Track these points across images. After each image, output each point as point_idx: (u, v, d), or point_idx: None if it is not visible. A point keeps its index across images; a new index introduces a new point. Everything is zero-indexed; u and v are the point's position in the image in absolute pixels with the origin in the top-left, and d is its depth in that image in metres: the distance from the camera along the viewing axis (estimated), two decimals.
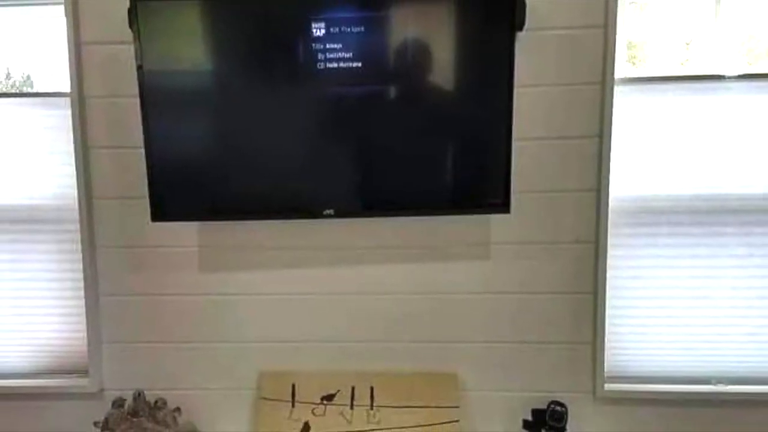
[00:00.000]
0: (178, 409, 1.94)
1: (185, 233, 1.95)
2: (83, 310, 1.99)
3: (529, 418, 1.89)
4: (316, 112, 1.77)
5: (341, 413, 1.93)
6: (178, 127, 1.77)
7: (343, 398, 1.94)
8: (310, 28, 1.70)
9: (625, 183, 1.89)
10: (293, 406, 1.94)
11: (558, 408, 1.84)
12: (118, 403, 1.90)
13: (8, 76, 2.10)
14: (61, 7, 1.86)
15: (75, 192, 1.94)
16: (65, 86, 1.91)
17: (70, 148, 1.92)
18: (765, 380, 1.93)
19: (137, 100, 1.74)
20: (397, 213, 1.86)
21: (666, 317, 1.93)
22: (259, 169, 1.81)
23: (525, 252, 1.91)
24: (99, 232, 1.97)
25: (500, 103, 1.73)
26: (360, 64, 1.72)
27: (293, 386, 1.96)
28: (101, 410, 1.91)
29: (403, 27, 1.72)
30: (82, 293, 1.98)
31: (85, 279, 1.97)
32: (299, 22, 1.70)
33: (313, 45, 1.70)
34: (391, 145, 1.79)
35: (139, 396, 1.90)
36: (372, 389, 1.94)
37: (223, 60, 1.76)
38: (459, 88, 1.77)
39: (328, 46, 1.71)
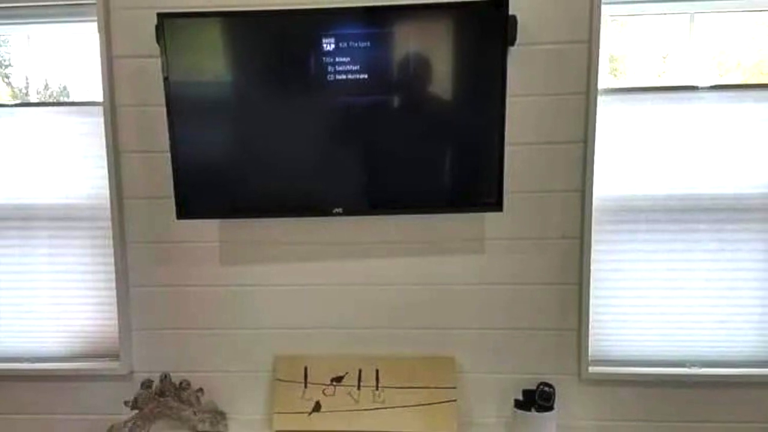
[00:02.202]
0: (200, 390, 2.02)
1: (207, 230, 2.01)
2: (115, 299, 2.04)
3: (520, 397, 1.94)
4: (327, 120, 1.83)
5: (349, 393, 1.99)
6: (201, 133, 1.83)
7: (350, 380, 2.00)
8: (320, 44, 1.76)
9: (608, 184, 1.94)
10: (305, 387, 2.00)
11: (546, 389, 1.90)
12: (147, 384, 1.99)
13: (46, 87, 2.16)
14: (95, 24, 1.92)
15: (107, 192, 1.99)
16: (98, 96, 1.96)
17: (103, 152, 1.98)
18: (734, 363, 1.99)
19: (164, 109, 1.81)
20: (400, 211, 1.92)
21: (645, 306, 1.99)
22: (274, 171, 1.86)
23: (516, 247, 1.96)
24: (129, 229, 2.02)
25: (494, 111, 1.78)
26: (366, 76, 1.78)
27: (305, 369, 2.02)
28: (131, 391, 1.99)
29: (406, 42, 1.78)
30: (113, 284, 2.03)
31: (117, 271, 2.02)
32: (311, 37, 1.76)
33: (324, 58, 1.76)
34: (395, 149, 1.84)
35: (165, 378, 2.00)
36: (377, 371, 2.00)
37: (242, 72, 1.81)
38: (456, 97, 1.81)
39: (337, 59, 1.77)
